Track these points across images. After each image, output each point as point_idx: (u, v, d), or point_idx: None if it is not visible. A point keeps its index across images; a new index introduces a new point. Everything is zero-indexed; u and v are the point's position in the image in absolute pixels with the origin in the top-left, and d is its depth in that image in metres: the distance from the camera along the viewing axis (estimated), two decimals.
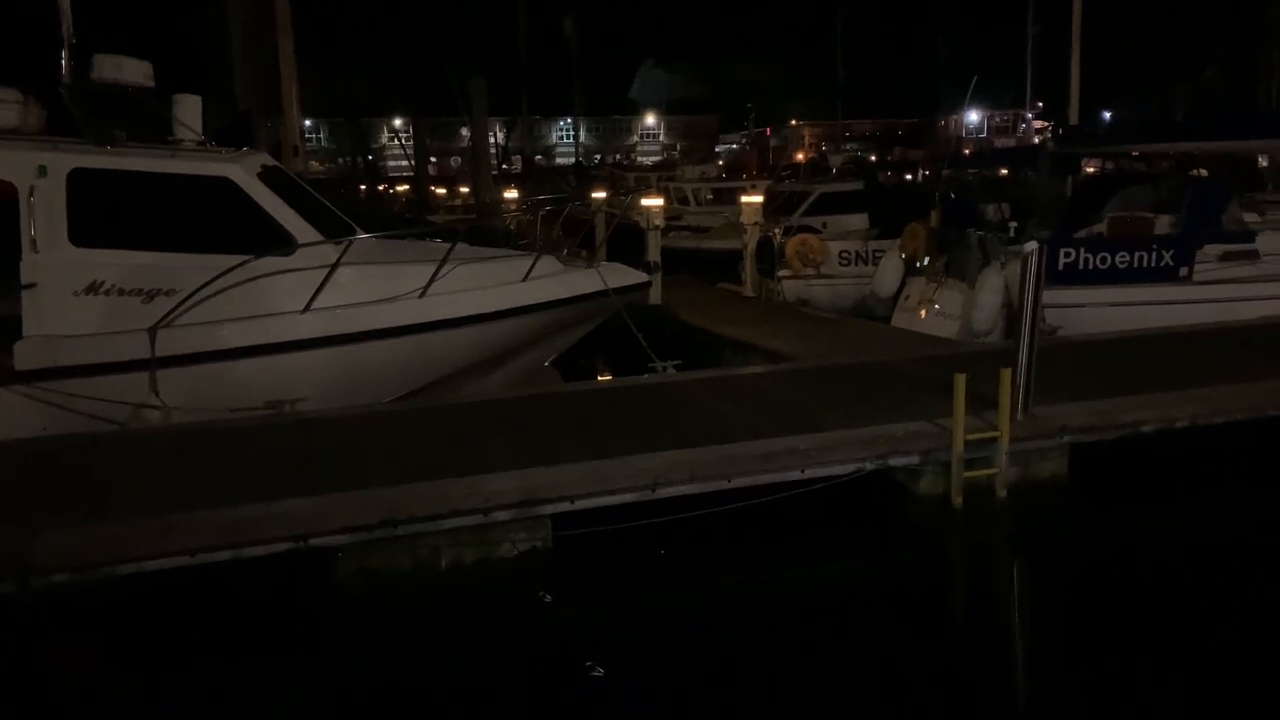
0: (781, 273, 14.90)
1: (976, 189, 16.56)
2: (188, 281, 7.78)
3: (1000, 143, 50.91)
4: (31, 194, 7.71)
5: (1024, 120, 53.45)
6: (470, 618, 5.64)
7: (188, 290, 7.75)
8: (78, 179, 7.88)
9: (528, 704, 4.88)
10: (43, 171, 7.79)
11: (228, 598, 5.42)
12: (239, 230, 8.20)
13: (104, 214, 7.92)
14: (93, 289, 7.75)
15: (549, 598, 5.79)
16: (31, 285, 7.64)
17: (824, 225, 19.04)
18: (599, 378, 11.20)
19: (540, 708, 4.85)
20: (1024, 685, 5.16)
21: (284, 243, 8.21)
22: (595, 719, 4.74)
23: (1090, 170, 19.87)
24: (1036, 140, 42.25)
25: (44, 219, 7.72)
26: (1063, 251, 11.65)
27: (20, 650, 5.07)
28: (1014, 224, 12.89)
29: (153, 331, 7.54)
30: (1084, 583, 6.05)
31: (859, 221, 18.97)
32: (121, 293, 7.80)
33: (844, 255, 15.20)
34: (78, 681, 5.08)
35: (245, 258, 7.92)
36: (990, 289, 11.51)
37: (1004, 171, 19.93)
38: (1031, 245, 7.09)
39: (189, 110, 9.11)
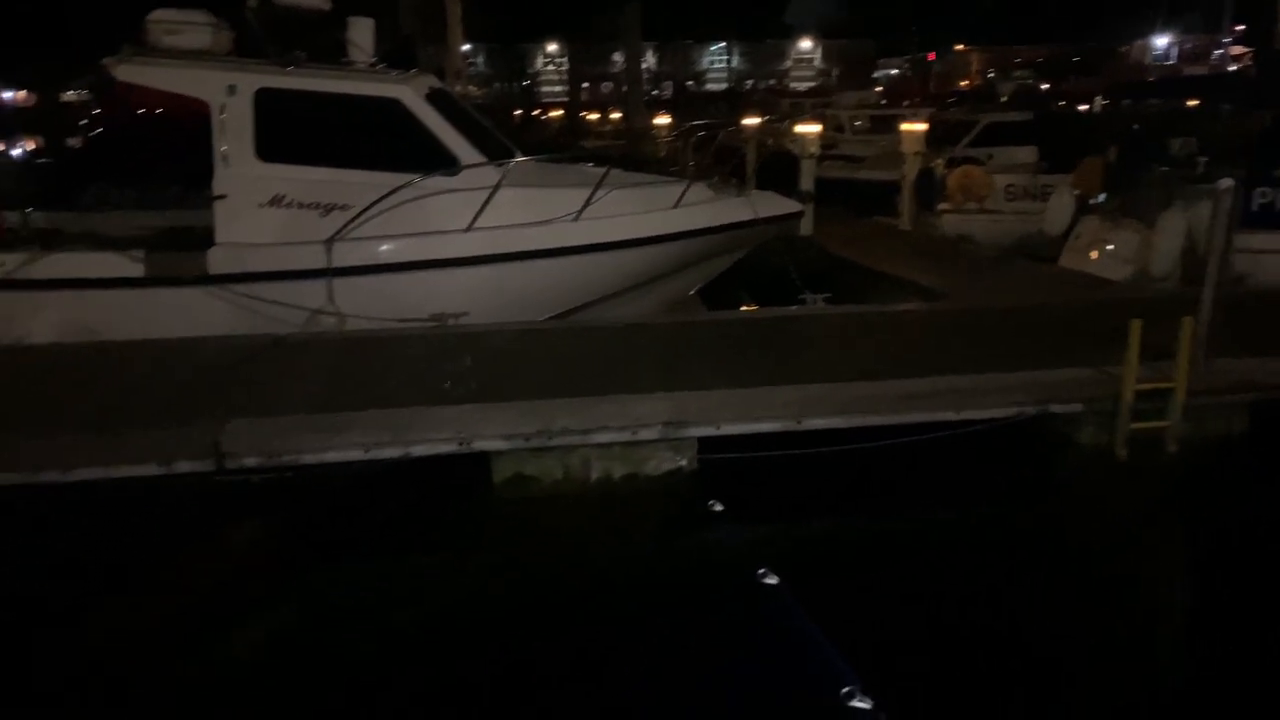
0: (941, 206, 14.34)
1: (1161, 122, 15.40)
2: (360, 197, 8.17)
3: (1190, 71, 46.89)
4: (222, 111, 8.22)
5: (1219, 46, 48.93)
6: (616, 526, 5.86)
7: (360, 206, 8.14)
8: (263, 98, 8.34)
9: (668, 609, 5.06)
10: (232, 90, 8.28)
11: (395, 492, 5.80)
12: (407, 150, 8.52)
13: (286, 131, 8.37)
14: (276, 202, 8.25)
15: (693, 515, 5.93)
16: (222, 197, 8.20)
17: (989, 157, 18.13)
18: (744, 308, 11.17)
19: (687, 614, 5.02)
20: (1176, 648, 4.97)
21: (449, 163, 8.49)
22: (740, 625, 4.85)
23: None
24: (1233, 68, 38.67)
25: (233, 135, 8.23)
26: (1259, 191, 10.74)
27: (216, 523, 5.63)
28: (1202, 160, 11.96)
29: (329, 243, 7.99)
30: (1253, 548, 5.72)
31: (1028, 154, 17.93)
32: (301, 206, 8.27)
33: (1010, 190, 14.49)
34: (263, 552, 5.60)
35: (413, 176, 8.25)
36: (1171, 231, 10.76)
37: (1192, 103, 18.41)
38: (1226, 183, 6.60)
39: (362, 32, 9.47)
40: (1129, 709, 4.17)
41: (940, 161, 15.21)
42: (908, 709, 2.98)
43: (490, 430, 5.81)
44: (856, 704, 2.93)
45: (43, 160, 9.29)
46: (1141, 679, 4.49)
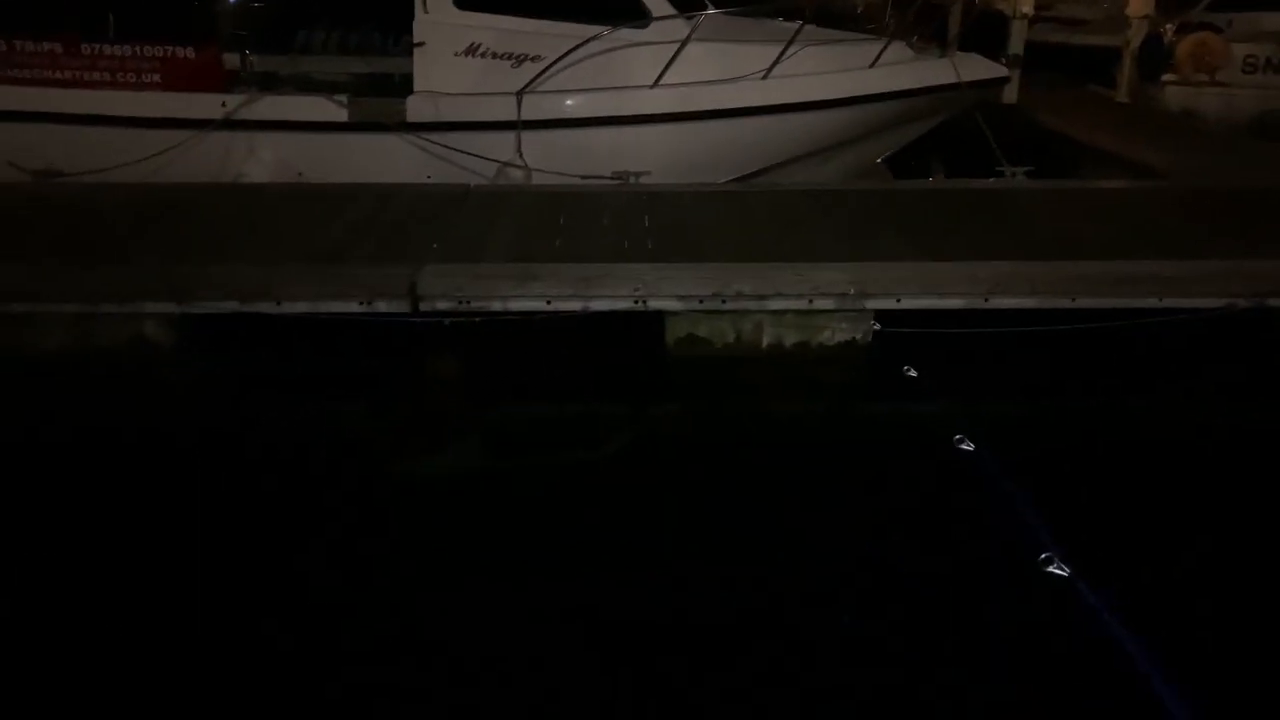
0: (1167, 77, 13.02)
1: None
2: (551, 49, 8.19)
3: None
4: None
5: None
6: (794, 389, 5.91)
7: (551, 58, 8.18)
8: None
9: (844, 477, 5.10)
10: None
11: (574, 343, 6.04)
12: (598, 0, 8.42)
13: None
14: (471, 50, 8.40)
15: (880, 380, 5.88)
16: (421, 44, 8.42)
17: (1229, 24, 16.16)
18: (932, 179, 10.65)
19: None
20: None
21: (640, 15, 8.34)
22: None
23: None
24: None
25: None
26: None
27: (412, 362, 6.06)
28: None
29: (519, 95, 8.10)
30: None
31: (1276, 21, 15.89)
32: (495, 56, 8.39)
33: (1250, 61, 12.98)
34: (451, 390, 6.02)
35: (603, 29, 8.17)
36: None
37: None
38: None
39: None
40: None
41: (1170, 26, 13.70)
42: (1104, 578, 2.95)
43: (666, 290, 5.89)
44: (1054, 570, 2.93)
45: (257, 4, 9.74)
46: None
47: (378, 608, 4.01)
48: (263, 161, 8.38)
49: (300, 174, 8.42)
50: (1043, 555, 2.93)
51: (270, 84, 8.96)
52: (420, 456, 5.30)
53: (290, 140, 8.39)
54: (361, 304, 5.79)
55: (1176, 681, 3.25)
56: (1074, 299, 5.87)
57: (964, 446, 4.05)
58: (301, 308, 5.80)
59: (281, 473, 5.04)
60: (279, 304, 5.79)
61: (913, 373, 4.71)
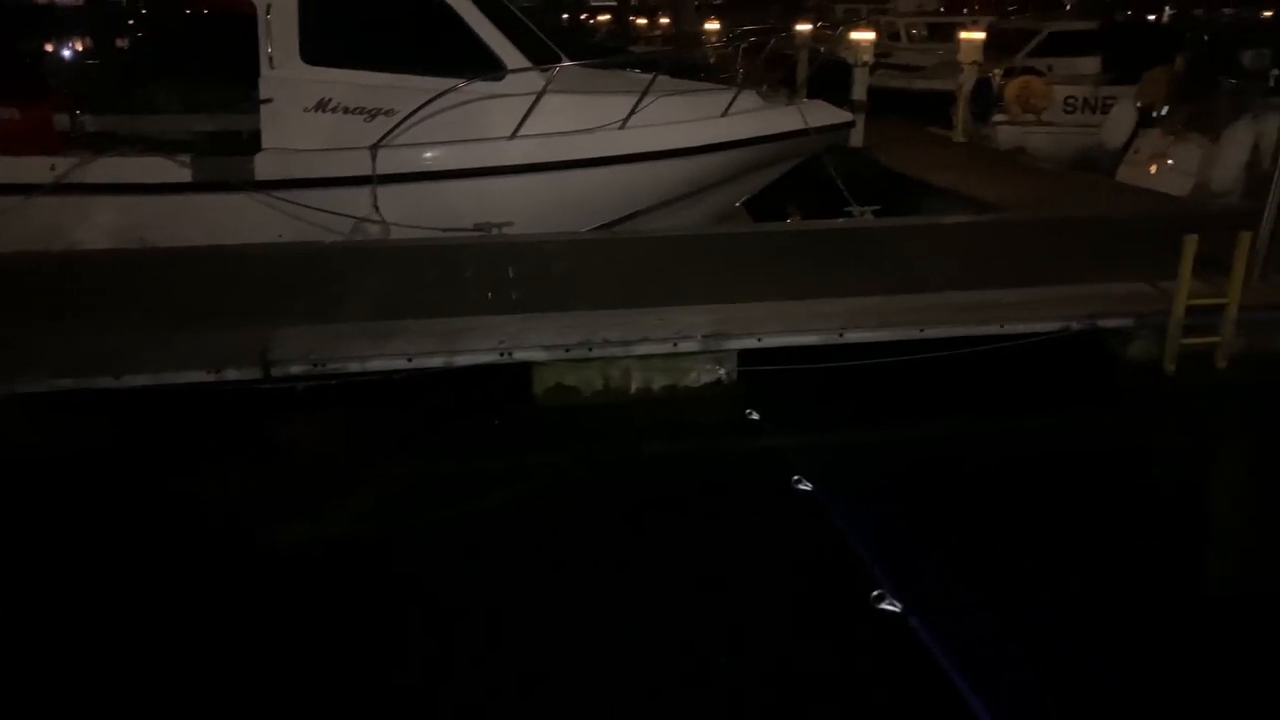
0: (998, 118, 13.91)
1: (1233, 32, 14.67)
2: (404, 102, 8.11)
3: None
4: (268, 11, 8.16)
5: None
6: (655, 435, 5.95)
7: (405, 111, 8.09)
8: None
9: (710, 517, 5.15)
10: None
11: (439, 401, 5.91)
12: (452, 53, 8.41)
13: (331, 33, 8.30)
14: (321, 106, 8.23)
15: (730, 424, 5.97)
16: (268, 100, 8.20)
17: (1049, 68, 17.44)
18: (790, 220, 11.02)
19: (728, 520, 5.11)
20: (1215, 561, 4.96)
21: (494, 67, 8.37)
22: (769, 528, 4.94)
23: None
24: None
25: (278, 37, 8.18)
26: None
27: (263, 428, 5.80)
28: (1276, 73, 11.41)
29: (374, 149, 7.98)
30: None
31: (1090, 65, 17.21)
32: (347, 110, 8.25)
33: (1070, 101, 14.01)
34: (309, 457, 5.78)
35: (457, 81, 8.16)
36: (1237, 144, 10.37)
37: (1267, 13, 17.48)
38: None
39: None
40: (1164, 620, 4.19)
41: (998, 71, 14.69)
42: (936, 613, 3.03)
43: (532, 340, 5.86)
44: (885, 607, 2.99)
45: (91, 61, 9.30)
46: (1182, 591, 4.49)
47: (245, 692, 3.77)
48: (99, 227, 7.95)
49: (142, 238, 8.03)
50: (874, 593, 3.00)
51: (107, 144, 8.55)
52: (284, 527, 5.05)
53: (130, 203, 8.00)
54: (209, 372, 5.52)
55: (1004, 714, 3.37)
56: (922, 329, 6.13)
57: (802, 486, 4.19)
58: (144, 380, 5.49)
59: (130, 557, 4.71)
60: (118, 378, 5.47)
61: (755, 416, 4.84)
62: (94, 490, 5.24)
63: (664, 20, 39.82)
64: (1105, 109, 13.23)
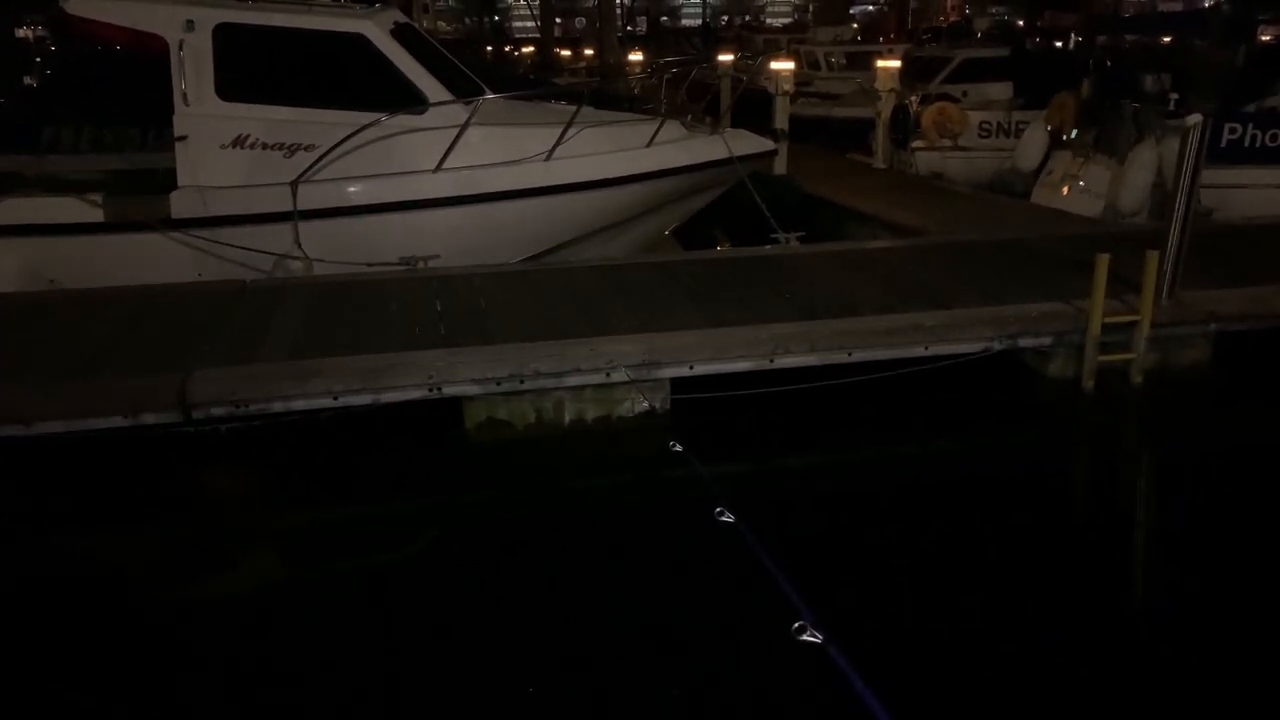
0: (916, 143, 14.29)
1: (1135, 57, 15.34)
2: (325, 137, 8.00)
3: (1165, 7, 46.51)
4: (181, 48, 7.99)
5: None
6: (585, 468, 5.90)
7: (325, 146, 7.98)
8: (223, 33, 8.11)
9: (641, 547, 5.11)
10: (190, 26, 8.04)
11: (366, 439, 5.78)
12: (373, 88, 8.34)
13: (247, 69, 8.17)
14: (239, 143, 8.08)
15: (665, 454, 5.95)
16: (183, 138, 8.01)
17: (964, 94, 18.02)
18: (719, 247, 11.13)
19: (655, 550, 5.07)
20: (1139, 577, 5.07)
21: (416, 101, 8.32)
22: (709, 559, 4.91)
23: (1266, 39, 18.06)
24: (1208, 4, 38.45)
25: (193, 73, 8.02)
26: (1228, 127, 10.78)
27: (185, 474, 5.60)
28: (1174, 96, 11.93)
29: (294, 185, 7.84)
30: (1216, 477, 5.83)
31: (1002, 91, 17.84)
32: (265, 147, 8.10)
33: (984, 126, 14.44)
34: (235, 505, 5.59)
35: (379, 115, 8.08)
36: (1142, 166, 10.80)
37: (1167, 39, 18.32)
38: (1195, 118, 6.58)
39: None
40: (1089, 640, 4.26)
41: (915, 98, 15.11)
42: (859, 644, 3.03)
43: (461, 375, 5.78)
44: (807, 638, 2.98)
45: None
46: (1103, 609, 4.58)
47: None
48: (6, 270, 7.65)
49: (52, 280, 7.75)
50: (795, 624, 2.99)
51: (14, 185, 8.24)
52: (208, 578, 4.86)
53: (37, 245, 7.73)
54: (125, 417, 5.32)
55: None
56: (850, 353, 6.21)
57: (725, 518, 4.20)
58: (56, 427, 5.27)
59: (49, 613, 4.49)
60: (29, 426, 5.24)
61: (678, 447, 4.87)
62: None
63: (588, 52, 40.20)
64: (1018, 133, 13.67)
